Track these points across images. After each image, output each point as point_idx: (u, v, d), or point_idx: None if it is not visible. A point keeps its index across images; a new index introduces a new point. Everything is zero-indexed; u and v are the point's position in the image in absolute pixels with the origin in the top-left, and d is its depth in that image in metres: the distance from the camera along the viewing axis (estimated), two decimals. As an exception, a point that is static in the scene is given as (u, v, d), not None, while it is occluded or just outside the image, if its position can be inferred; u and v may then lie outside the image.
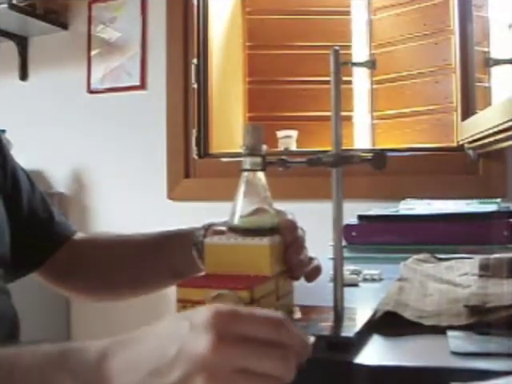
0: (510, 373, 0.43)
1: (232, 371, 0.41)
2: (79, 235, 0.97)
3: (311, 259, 0.66)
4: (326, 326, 0.57)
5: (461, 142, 1.87)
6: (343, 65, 0.61)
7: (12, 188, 0.89)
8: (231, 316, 0.43)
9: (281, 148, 2.16)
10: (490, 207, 1.20)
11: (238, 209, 0.60)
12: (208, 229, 0.79)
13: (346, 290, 0.62)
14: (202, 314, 0.43)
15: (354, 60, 2.21)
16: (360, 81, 2.22)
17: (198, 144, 2.21)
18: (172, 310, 0.55)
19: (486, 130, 1.48)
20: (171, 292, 0.54)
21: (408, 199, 1.46)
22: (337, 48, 0.61)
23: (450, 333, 0.54)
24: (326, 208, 0.64)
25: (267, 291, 0.56)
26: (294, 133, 2.19)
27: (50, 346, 0.48)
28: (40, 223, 0.92)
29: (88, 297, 0.99)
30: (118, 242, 0.96)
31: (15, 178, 0.91)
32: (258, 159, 0.61)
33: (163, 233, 0.91)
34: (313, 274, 0.65)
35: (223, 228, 0.64)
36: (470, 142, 1.78)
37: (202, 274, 0.60)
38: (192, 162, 2.22)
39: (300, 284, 0.64)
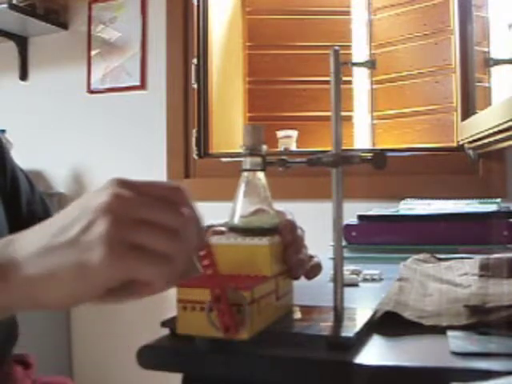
0: (510, 373, 0.43)
1: (134, 218, 0.43)
2: None
3: (311, 257, 0.66)
4: (325, 326, 0.57)
5: (461, 142, 1.87)
6: (343, 65, 0.61)
7: (11, 189, 0.89)
8: (133, 181, 0.46)
9: (281, 148, 2.17)
10: (490, 207, 1.20)
11: (237, 209, 0.60)
12: (207, 230, 0.79)
13: (346, 290, 0.62)
14: (105, 183, 0.45)
15: (354, 60, 2.21)
16: (360, 81, 2.22)
17: (197, 144, 2.21)
18: (172, 310, 0.55)
19: (486, 130, 1.48)
20: (171, 292, 0.54)
21: (408, 199, 1.46)
22: (337, 48, 0.61)
23: (450, 333, 0.54)
24: (326, 208, 0.64)
25: (267, 291, 0.56)
26: (294, 133, 2.19)
27: None
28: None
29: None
30: None
31: (14, 179, 0.91)
32: (258, 159, 0.61)
33: None
34: (313, 271, 0.65)
35: (223, 228, 0.64)
36: (470, 142, 1.78)
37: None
38: (192, 161, 2.22)
39: (300, 284, 0.64)
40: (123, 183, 0.45)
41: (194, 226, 0.46)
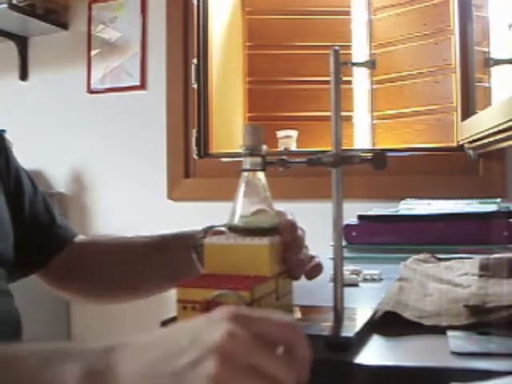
0: (510, 373, 0.43)
1: (244, 364, 0.40)
2: (80, 238, 0.97)
3: (312, 257, 0.66)
4: (326, 326, 0.57)
5: (461, 142, 1.87)
6: (343, 65, 0.61)
7: (14, 189, 0.89)
8: (247, 316, 0.43)
9: (281, 148, 2.17)
10: (490, 207, 1.20)
11: (237, 209, 0.60)
12: (208, 231, 0.79)
13: (346, 290, 0.62)
14: (218, 313, 0.43)
15: (354, 60, 2.21)
16: (360, 81, 2.22)
17: (197, 144, 2.21)
18: (172, 310, 0.55)
19: (486, 130, 1.48)
20: (171, 292, 0.54)
21: (408, 199, 1.46)
22: (337, 48, 0.61)
23: (449, 333, 0.54)
24: (326, 208, 0.64)
25: (267, 291, 0.56)
26: (294, 133, 2.19)
27: (49, 342, 0.48)
28: (41, 225, 0.92)
29: (88, 300, 0.99)
30: (118, 245, 0.96)
31: (18, 180, 0.91)
32: (258, 159, 0.61)
33: (163, 236, 0.91)
34: (313, 271, 0.65)
35: (223, 228, 0.64)
36: (470, 142, 1.78)
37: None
38: (192, 161, 2.22)
39: (300, 284, 0.64)
40: (237, 317, 0.42)
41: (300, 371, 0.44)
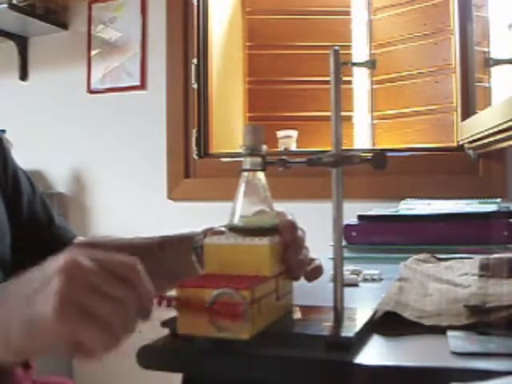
0: (510, 373, 0.43)
1: (87, 282, 0.47)
2: (79, 239, 0.97)
3: (312, 260, 0.66)
4: (326, 326, 0.57)
5: (461, 142, 1.87)
6: (343, 65, 0.61)
7: (13, 190, 0.89)
8: (89, 254, 0.49)
9: (281, 148, 2.17)
10: (489, 207, 1.20)
11: (237, 209, 0.60)
12: (208, 233, 0.79)
13: (346, 290, 0.62)
14: (60, 260, 0.48)
15: (354, 60, 2.21)
16: (360, 81, 2.22)
17: (197, 144, 2.21)
18: (172, 310, 0.55)
19: (486, 130, 1.48)
20: (171, 292, 0.54)
21: (408, 199, 1.46)
22: (337, 48, 0.61)
23: (449, 333, 0.54)
24: (326, 208, 0.64)
25: (267, 291, 0.56)
26: (294, 133, 2.19)
27: None
28: (40, 226, 0.92)
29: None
30: (118, 246, 0.96)
31: (16, 181, 0.91)
32: (258, 159, 0.61)
33: (163, 237, 0.91)
34: (313, 273, 0.65)
35: (223, 228, 0.64)
36: (470, 142, 1.78)
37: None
38: (192, 162, 2.22)
39: (300, 284, 0.64)
40: (84, 253, 0.49)
41: (141, 301, 0.50)
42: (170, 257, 0.87)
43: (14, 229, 0.85)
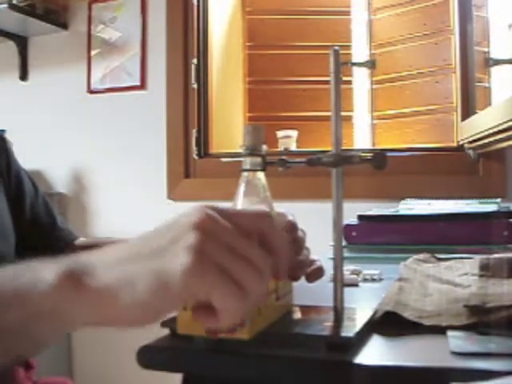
0: (510, 373, 0.43)
1: (223, 241, 0.42)
2: (81, 240, 0.97)
3: (313, 261, 0.65)
4: (326, 326, 0.57)
5: (461, 142, 1.87)
6: (343, 65, 0.61)
7: (16, 192, 0.90)
8: (221, 210, 0.44)
9: (281, 148, 2.17)
10: (490, 207, 1.20)
11: (237, 209, 0.60)
12: None
13: (346, 290, 0.62)
14: (193, 216, 0.43)
15: (354, 60, 2.21)
16: (360, 81, 2.22)
17: (197, 144, 2.21)
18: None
19: (486, 130, 1.48)
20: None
21: (408, 199, 1.46)
22: (337, 48, 0.61)
23: (450, 333, 0.54)
24: (326, 208, 0.64)
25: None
26: (294, 133, 2.19)
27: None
28: (42, 228, 0.92)
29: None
30: None
31: (19, 182, 0.91)
32: (258, 159, 0.61)
33: None
34: (314, 274, 0.64)
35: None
36: (470, 142, 1.78)
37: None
38: (192, 162, 2.22)
39: (300, 284, 0.64)
40: (213, 208, 0.44)
41: (276, 265, 0.46)
42: None
43: (16, 230, 0.85)
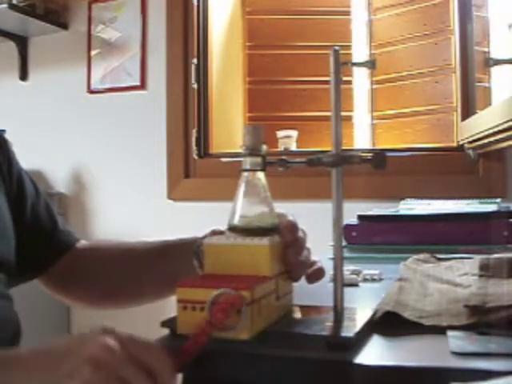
0: (510, 373, 0.43)
1: (115, 374, 0.46)
2: (82, 243, 0.96)
3: (314, 262, 0.65)
4: (326, 326, 0.57)
5: (461, 142, 1.87)
6: (343, 65, 0.61)
7: (17, 193, 0.89)
8: (121, 336, 0.49)
9: (281, 148, 2.17)
10: (490, 207, 1.20)
11: (237, 209, 0.60)
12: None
13: (346, 290, 0.62)
14: (93, 331, 0.49)
15: (354, 60, 2.21)
16: (360, 81, 2.22)
17: (198, 144, 2.21)
18: (172, 310, 0.55)
19: (486, 130, 1.48)
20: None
21: (408, 199, 1.46)
22: (337, 48, 0.61)
23: (450, 333, 0.54)
24: (326, 208, 0.64)
25: (267, 291, 0.56)
26: (294, 133, 2.19)
27: None
28: (43, 230, 0.92)
29: (88, 305, 0.99)
30: (120, 250, 0.95)
31: (21, 184, 0.91)
32: (258, 159, 0.61)
33: (165, 241, 0.90)
34: (314, 275, 0.64)
35: (222, 228, 0.64)
36: (470, 142, 1.78)
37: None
38: (192, 162, 2.22)
39: (300, 284, 0.64)
40: (109, 333, 0.49)
41: None
42: (170, 262, 0.87)
43: (17, 232, 0.85)
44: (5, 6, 2.14)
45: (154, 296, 0.94)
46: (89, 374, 0.46)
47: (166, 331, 0.57)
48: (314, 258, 0.66)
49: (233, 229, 0.60)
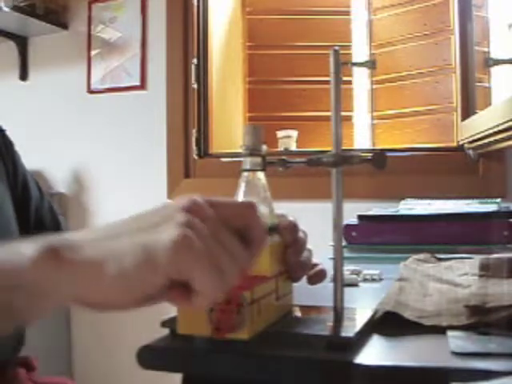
0: (510, 373, 0.43)
1: (206, 232, 0.43)
2: None
3: (315, 265, 0.65)
4: (326, 325, 0.57)
5: (461, 142, 1.87)
6: (343, 65, 0.61)
7: (21, 196, 0.89)
8: (205, 200, 0.46)
9: (281, 148, 2.16)
10: (490, 207, 1.20)
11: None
12: None
13: (346, 290, 0.62)
14: (180, 201, 0.45)
15: (354, 60, 2.21)
16: (360, 81, 2.22)
17: (197, 144, 2.21)
18: (172, 310, 0.55)
19: (486, 130, 1.48)
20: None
21: (408, 199, 1.46)
22: (337, 48, 0.61)
23: (450, 333, 0.54)
24: (326, 208, 0.64)
25: (267, 291, 0.56)
26: (294, 133, 2.19)
27: None
28: (46, 232, 0.92)
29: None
30: None
31: (25, 186, 0.91)
32: (258, 159, 0.61)
33: None
34: (315, 277, 0.64)
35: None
36: (470, 142, 1.78)
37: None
38: (192, 162, 2.22)
39: (300, 284, 0.64)
40: (201, 197, 0.46)
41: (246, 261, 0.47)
42: None
43: (21, 234, 0.85)
44: (7, 9, 2.13)
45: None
46: (184, 217, 0.43)
47: (166, 331, 0.57)
48: (315, 260, 0.66)
49: (233, 229, 0.60)
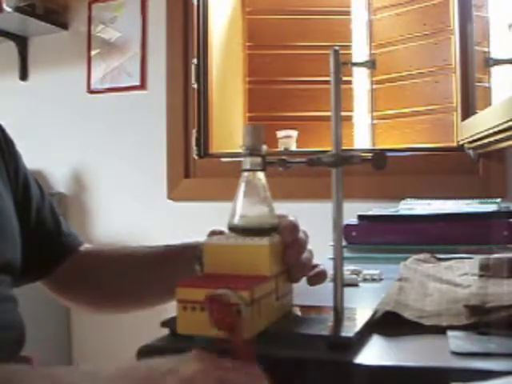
0: (510, 373, 0.43)
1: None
2: (85, 247, 0.96)
3: (316, 266, 0.65)
4: (326, 326, 0.57)
5: (461, 142, 1.87)
6: (343, 65, 0.61)
7: (22, 196, 0.89)
8: (218, 362, 0.46)
9: (281, 148, 2.17)
10: (490, 207, 1.20)
11: (237, 209, 0.60)
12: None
13: (346, 290, 0.62)
14: (190, 367, 0.46)
15: (354, 60, 2.21)
16: (360, 81, 2.22)
17: (198, 144, 2.21)
18: (172, 310, 0.55)
19: (486, 130, 1.48)
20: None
21: (408, 199, 1.46)
22: (337, 48, 0.61)
23: (450, 333, 0.54)
24: (326, 208, 0.64)
25: (267, 291, 0.55)
26: (294, 133, 2.19)
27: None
28: (47, 233, 0.92)
29: (89, 309, 0.99)
30: (122, 255, 0.95)
31: (27, 186, 0.91)
32: (258, 159, 0.61)
33: (167, 246, 0.91)
34: (316, 277, 0.64)
35: (222, 228, 0.64)
36: (470, 142, 1.78)
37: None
38: (192, 162, 2.22)
39: (300, 284, 0.64)
40: (209, 360, 0.47)
41: None
42: (172, 267, 0.87)
43: (22, 234, 0.85)
44: (9, 9, 2.13)
45: (155, 301, 0.94)
46: (196, 366, 0.45)
47: (166, 331, 0.57)
48: (315, 261, 0.66)
49: (233, 229, 0.60)
